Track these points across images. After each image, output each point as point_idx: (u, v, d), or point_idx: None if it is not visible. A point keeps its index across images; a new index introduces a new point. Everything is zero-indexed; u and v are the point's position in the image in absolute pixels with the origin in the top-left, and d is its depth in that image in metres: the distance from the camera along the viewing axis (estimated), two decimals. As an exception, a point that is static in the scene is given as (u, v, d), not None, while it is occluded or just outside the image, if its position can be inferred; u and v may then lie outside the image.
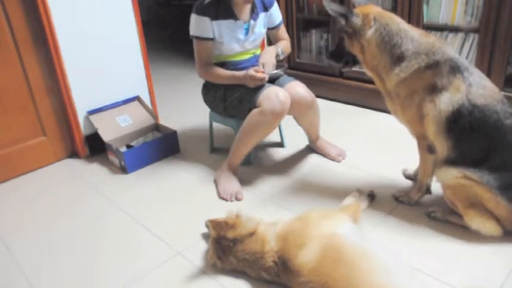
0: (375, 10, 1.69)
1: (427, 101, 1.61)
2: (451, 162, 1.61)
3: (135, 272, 1.63)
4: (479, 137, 1.56)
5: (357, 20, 1.66)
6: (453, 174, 1.59)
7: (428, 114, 1.61)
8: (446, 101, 1.57)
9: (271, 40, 2.39)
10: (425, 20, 2.61)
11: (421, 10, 2.57)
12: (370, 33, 1.66)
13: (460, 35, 2.53)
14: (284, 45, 2.28)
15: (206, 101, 2.33)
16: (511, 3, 2.22)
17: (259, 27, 2.21)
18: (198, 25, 2.07)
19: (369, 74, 1.78)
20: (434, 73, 1.59)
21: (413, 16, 2.61)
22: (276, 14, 2.27)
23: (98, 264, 1.70)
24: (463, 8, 2.47)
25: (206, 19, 2.05)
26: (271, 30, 2.31)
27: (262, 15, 2.19)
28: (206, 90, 2.30)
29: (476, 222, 1.60)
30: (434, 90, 1.59)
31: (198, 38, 2.10)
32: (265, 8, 2.21)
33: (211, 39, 2.10)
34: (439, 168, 1.67)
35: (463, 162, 1.58)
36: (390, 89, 1.70)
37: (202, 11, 2.04)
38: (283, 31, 2.36)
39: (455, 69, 1.58)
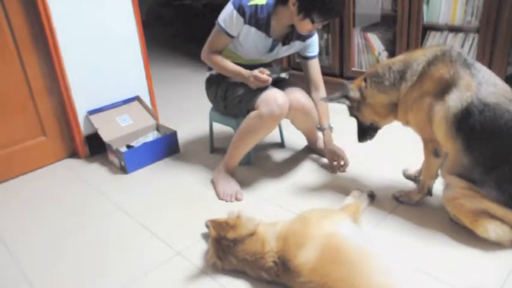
0: (362, 76, 1.83)
1: (436, 101, 1.58)
2: (463, 170, 1.56)
3: (135, 272, 1.63)
4: (491, 137, 1.51)
5: (354, 93, 1.81)
6: (459, 184, 1.57)
7: (437, 114, 1.58)
8: (455, 99, 1.53)
9: (302, 69, 2.30)
10: (425, 20, 2.61)
11: (421, 10, 2.57)
12: (368, 91, 1.77)
13: (460, 35, 2.53)
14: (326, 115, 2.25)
15: (208, 95, 2.32)
16: (511, 3, 2.22)
17: (284, 52, 2.17)
18: (230, 19, 1.98)
19: (391, 121, 1.84)
20: (438, 67, 1.57)
21: (413, 16, 2.61)
22: (312, 45, 2.19)
23: (98, 264, 1.70)
24: (463, 8, 2.47)
25: (241, 19, 1.97)
26: (303, 60, 2.24)
27: (296, 43, 2.13)
28: (208, 85, 2.28)
29: (492, 229, 1.53)
30: (443, 86, 1.56)
31: (222, 28, 2.01)
32: (302, 38, 2.13)
33: (232, 37, 2.03)
34: (446, 175, 1.65)
35: (475, 169, 1.53)
36: (399, 102, 1.72)
37: (242, 11, 1.95)
38: (316, 65, 2.25)
39: (457, 61, 1.55)
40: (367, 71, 1.82)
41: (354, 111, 1.88)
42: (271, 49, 2.11)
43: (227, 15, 1.99)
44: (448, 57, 1.57)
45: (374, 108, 1.80)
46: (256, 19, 1.98)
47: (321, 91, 2.26)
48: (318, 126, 2.25)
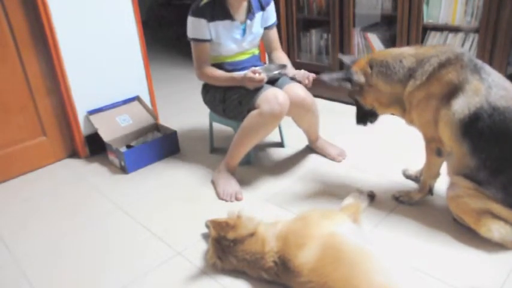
0: (366, 58, 1.75)
1: (442, 105, 1.56)
2: (469, 171, 1.55)
3: (135, 272, 1.63)
4: (499, 141, 1.49)
5: (359, 77, 1.72)
6: (465, 184, 1.56)
7: (442, 118, 1.57)
8: (462, 104, 1.51)
9: (263, 40, 2.35)
10: (425, 20, 2.61)
11: (421, 10, 2.57)
12: (374, 78, 1.70)
13: (460, 35, 2.53)
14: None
15: (206, 101, 2.33)
16: (511, 3, 2.22)
17: (257, 27, 2.20)
18: (195, 27, 2.07)
19: (392, 112, 1.79)
20: (448, 70, 1.55)
21: (413, 16, 2.61)
22: (271, 13, 2.26)
23: (98, 264, 1.70)
24: (463, 8, 2.47)
25: (203, 21, 2.05)
26: (265, 30, 2.28)
27: (259, 15, 2.18)
28: (205, 91, 2.30)
29: (495, 229, 1.52)
30: (451, 91, 1.54)
31: (195, 40, 2.10)
32: (262, 7, 2.19)
33: (209, 41, 2.10)
34: (451, 175, 1.64)
35: (481, 171, 1.52)
36: (404, 99, 1.68)
37: (199, 13, 2.04)
38: (275, 32, 2.33)
39: (467, 67, 1.53)
40: (374, 55, 1.74)
41: (354, 94, 1.81)
42: (244, 31, 2.15)
43: (190, 25, 2.09)
44: (460, 62, 1.54)
45: (376, 96, 1.75)
46: (215, 12, 2.05)
47: (280, 50, 2.36)
48: (284, 65, 2.19)
